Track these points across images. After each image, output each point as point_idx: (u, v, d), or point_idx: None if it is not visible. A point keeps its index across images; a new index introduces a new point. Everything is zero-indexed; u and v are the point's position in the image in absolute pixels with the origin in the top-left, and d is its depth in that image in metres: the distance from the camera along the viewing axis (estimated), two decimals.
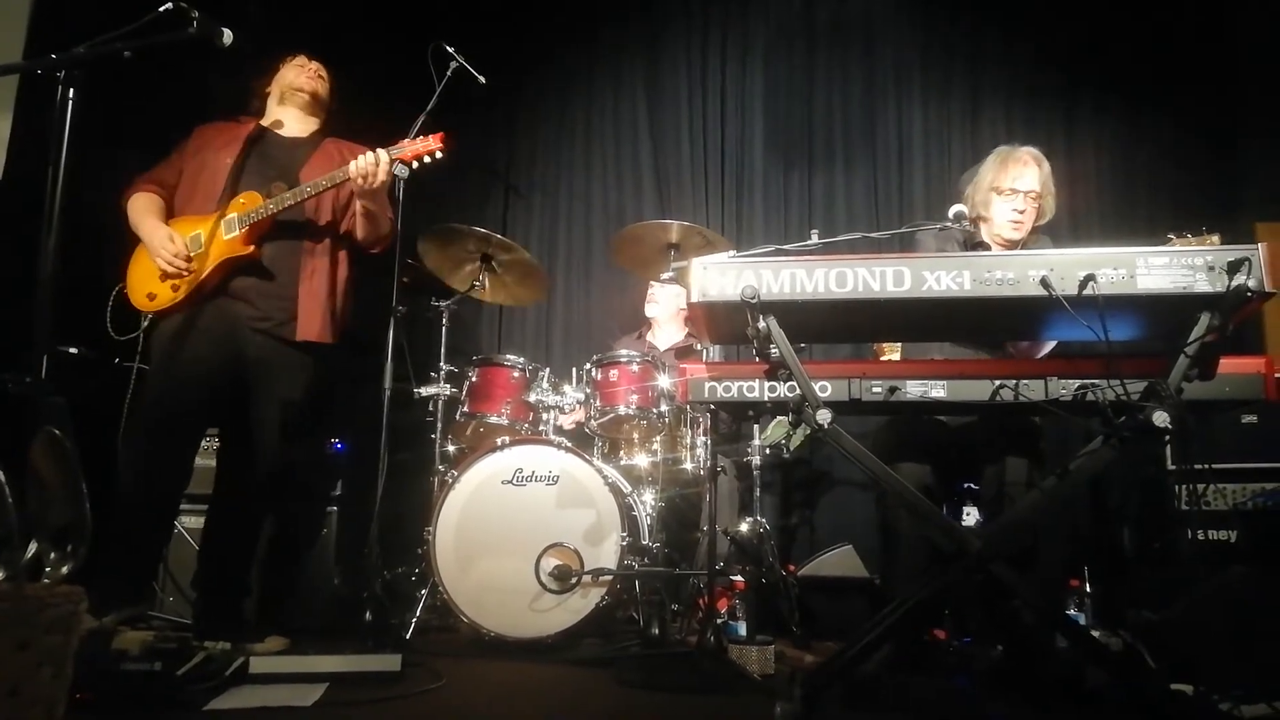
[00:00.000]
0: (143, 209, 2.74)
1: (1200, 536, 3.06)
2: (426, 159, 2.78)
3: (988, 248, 2.74)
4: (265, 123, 2.93)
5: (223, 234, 2.67)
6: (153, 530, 2.66)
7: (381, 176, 2.70)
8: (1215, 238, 2.62)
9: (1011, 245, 2.72)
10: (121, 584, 2.47)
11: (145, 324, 2.81)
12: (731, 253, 2.31)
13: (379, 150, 2.72)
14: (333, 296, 2.79)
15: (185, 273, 2.64)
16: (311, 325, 2.72)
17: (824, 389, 1.94)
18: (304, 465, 2.78)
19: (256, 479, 2.70)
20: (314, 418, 2.86)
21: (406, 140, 2.78)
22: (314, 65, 2.99)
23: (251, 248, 2.67)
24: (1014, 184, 2.70)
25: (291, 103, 2.94)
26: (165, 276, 2.65)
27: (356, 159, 2.68)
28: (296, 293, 2.74)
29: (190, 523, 3.14)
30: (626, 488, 3.18)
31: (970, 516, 2.84)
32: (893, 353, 3.40)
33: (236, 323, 2.68)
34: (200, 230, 2.69)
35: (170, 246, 2.63)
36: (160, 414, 2.60)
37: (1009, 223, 2.71)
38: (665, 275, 3.23)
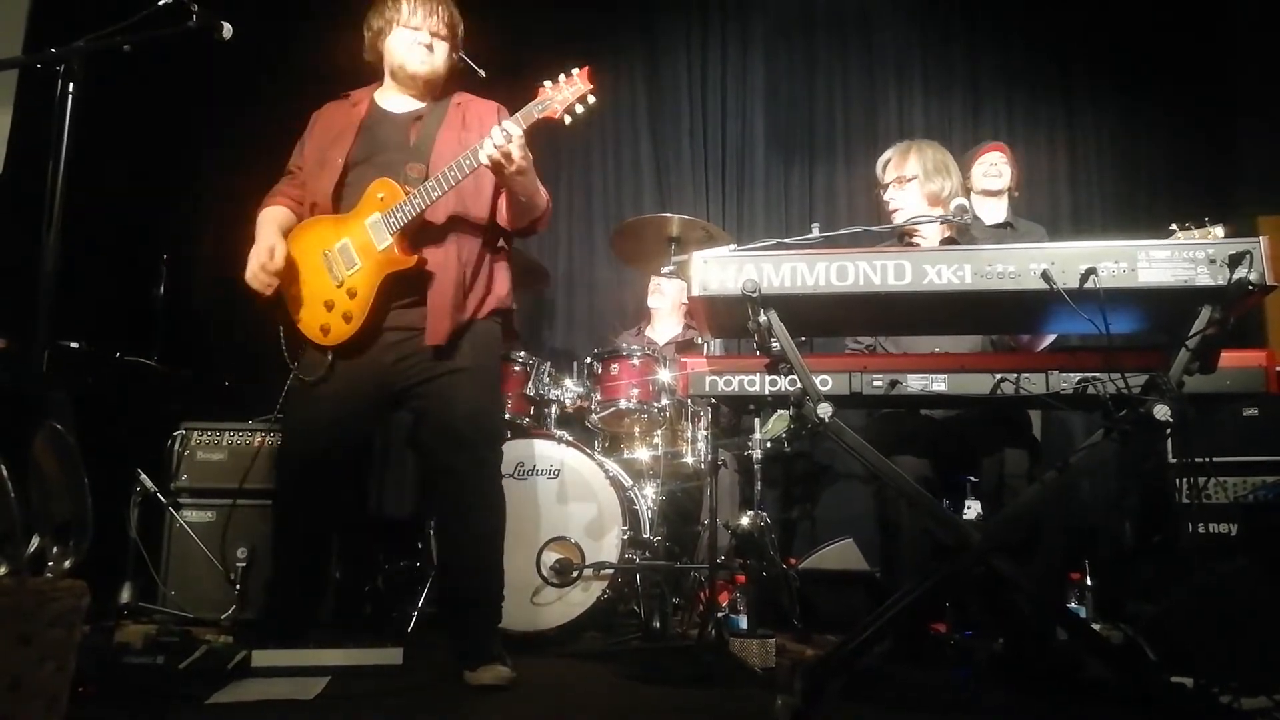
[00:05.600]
0: (266, 218, 2.40)
1: (1200, 529, 3.07)
2: (579, 109, 2.23)
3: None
4: (382, 95, 2.49)
5: (374, 242, 2.25)
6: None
7: (517, 155, 2.17)
8: (1219, 230, 2.60)
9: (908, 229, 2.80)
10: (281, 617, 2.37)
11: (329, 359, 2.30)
12: (732, 246, 2.31)
13: (506, 124, 2.16)
14: (469, 288, 2.33)
15: (267, 289, 2.27)
16: (440, 329, 2.26)
17: (825, 383, 1.94)
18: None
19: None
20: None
21: (545, 90, 2.23)
22: (424, 38, 2.40)
23: (414, 258, 2.24)
24: (886, 177, 2.82)
25: (403, 86, 2.46)
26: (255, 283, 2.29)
27: (482, 143, 2.16)
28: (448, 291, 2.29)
29: (192, 517, 3.15)
30: (627, 481, 3.18)
31: (972, 510, 2.84)
32: None
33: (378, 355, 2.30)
34: (347, 238, 2.29)
35: (262, 260, 2.26)
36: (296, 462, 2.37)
37: (890, 211, 2.80)
38: (666, 269, 3.23)
